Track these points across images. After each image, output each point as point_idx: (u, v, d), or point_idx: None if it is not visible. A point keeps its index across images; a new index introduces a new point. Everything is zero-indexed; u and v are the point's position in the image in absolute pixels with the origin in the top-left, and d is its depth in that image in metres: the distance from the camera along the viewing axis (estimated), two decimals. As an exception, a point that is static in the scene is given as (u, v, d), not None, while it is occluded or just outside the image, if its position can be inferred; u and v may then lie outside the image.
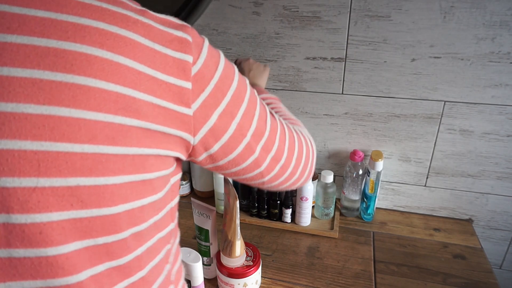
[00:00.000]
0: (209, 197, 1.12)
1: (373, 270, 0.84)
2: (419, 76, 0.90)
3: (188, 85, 0.35)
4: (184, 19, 0.97)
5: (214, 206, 1.06)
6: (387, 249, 0.91)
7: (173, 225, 0.43)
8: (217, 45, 1.01)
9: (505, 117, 0.88)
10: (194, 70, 0.35)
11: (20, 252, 0.29)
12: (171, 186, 0.39)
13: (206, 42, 0.38)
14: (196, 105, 0.36)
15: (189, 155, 0.41)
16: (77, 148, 0.29)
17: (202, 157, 0.41)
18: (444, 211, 1.03)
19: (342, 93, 0.97)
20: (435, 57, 0.87)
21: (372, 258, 0.88)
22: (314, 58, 0.95)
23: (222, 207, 1.04)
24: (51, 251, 0.30)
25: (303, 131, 0.58)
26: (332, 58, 0.94)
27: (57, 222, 0.29)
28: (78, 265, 0.31)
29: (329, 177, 0.94)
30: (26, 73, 0.27)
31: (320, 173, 0.95)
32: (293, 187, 0.57)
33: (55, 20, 0.29)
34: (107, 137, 0.30)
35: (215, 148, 0.41)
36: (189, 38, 0.35)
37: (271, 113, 0.49)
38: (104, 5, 0.31)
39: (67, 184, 0.29)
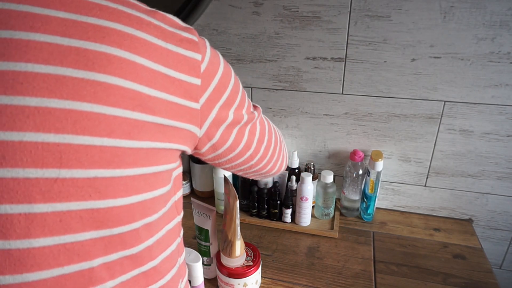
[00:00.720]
0: (209, 197, 1.12)
1: (373, 270, 0.84)
2: (419, 76, 0.90)
3: (197, 81, 0.38)
4: (184, 19, 0.97)
5: (214, 206, 1.06)
6: (387, 249, 0.91)
7: (179, 218, 0.45)
8: (217, 45, 1.01)
9: (505, 117, 0.88)
10: (203, 67, 0.38)
11: (40, 241, 0.30)
12: (174, 179, 0.41)
13: (207, 42, 0.42)
14: (203, 99, 0.39)
15: (195, 148, 0.44)
16: (97, 141, 0.30)
17: (205, 148, 0.45)
18: (444, 211, 1.03)
19: (342, 93, 0.97)
20: (435, 57, 0.87)
21: (372, 258, 0.88)
22: (314, 58, 0.95)
23: (222, 207, 1.04)
24: (69, 238, 0.31)
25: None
26: (332, 58, 0.94)
27: (75, 212, 0.31)
28: (92, 252, 0.33)
29: (329, 177, 0.94)
30: (49, 69, 0.29)
31: (320, 173, 0.95)
32: (274, 170, 0.63)
33: (75, 21, 0.30)
34: (124, 132, 0.31)
35: (217, 136, 0.45)
36: (195, 39, 0.38)
37: (254, 105, 0.56)
38: (120, 7, 0.33)
39: (87, 176, 0.30)
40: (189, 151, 0.42)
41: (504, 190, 0.96)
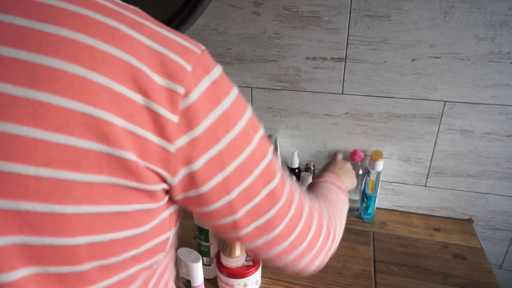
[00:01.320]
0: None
1: (373, 270, 0.84)
2: (419, 76, 0.90)
3: (173, 118, 0.30)
4: (184, 19, 0.97)
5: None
6: (387, 249, 0.91)
7: (162, 254, 0.37)
8: (217, 45, 1.01)
9: (505, 117, 0.88)
10: (185, 103, 0.30)
11: None
12: (164, 218, 0.35)
13: (213, 74, 0.33)
14: (180, 142, 0.31)
15: (169, 191, 0.35)
16: (31, 170, 0.26)
17: (178, 197, 0.35)
18: (444, 211, 1.03)
19: (342, 93, 0.97)
20: (435, 57, 0.87)
21: (372, 258, 0.88)
22: (314, 58, 0.95)
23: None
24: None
25: (337, 221, 0.53)
26: (332, 58, 0.94)
27: (3, 247, 0.27)
28: None
29: None
30: None
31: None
32: (291, 271, 0.48)
33: (31, 29, 0.26)
34: (67, 162, 0.27)
35: (191, 194, 0.35)
36: (187, 67, 0.30)
37: (284, 178, 0.42)
38: (92, 15, 0.28)
39: (17, 208, 0.26)
40: (159, 190, 0.33)
41: (504, 190, 0.96)
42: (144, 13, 0.32)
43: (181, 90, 0.30)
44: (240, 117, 0.35)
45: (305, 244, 0.45)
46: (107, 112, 0.27)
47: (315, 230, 0.46)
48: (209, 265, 0.80)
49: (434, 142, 0.96)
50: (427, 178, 1.00)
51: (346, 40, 0.91)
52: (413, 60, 0.88)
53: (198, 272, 0.72)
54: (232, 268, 0.73)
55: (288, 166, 1.02)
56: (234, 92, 0.35)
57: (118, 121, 0.28)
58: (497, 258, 1.04)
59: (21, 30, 0.26)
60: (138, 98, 0.28)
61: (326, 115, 1.01)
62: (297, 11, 0.91)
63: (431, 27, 0.84)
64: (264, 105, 1.05)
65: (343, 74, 0.95)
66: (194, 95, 0.31)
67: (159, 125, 0.30)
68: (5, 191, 0.26)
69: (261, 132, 0.38)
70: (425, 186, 1.02)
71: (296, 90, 1.01)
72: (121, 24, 0.29)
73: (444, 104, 0.91)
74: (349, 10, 0.88)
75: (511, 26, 0.80)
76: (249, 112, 0.37)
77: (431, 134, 0.95)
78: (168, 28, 0.33)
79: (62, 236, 0.28)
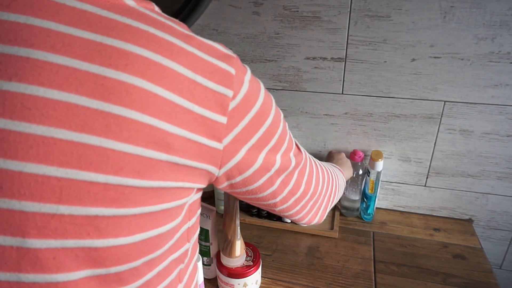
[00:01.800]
0: (209, 197, 1.12)
1: (373, 270, 0.84)
2: (419, 76, 0.90)
3: (223, 120, 0.34)
4: (184, 19, 0.97)
5: (214, 206, 1.06)
6: (387, 249, 0.91)
7: (188, 245, 0.41)
8: (217, 45, 1.01)
9: (505, 117, 0.88)
10: (232, 105, 0.35)
11: (30, 277, 0.28)
12: (188, 208, 0.39)
13: (248, 75, 0.37)
14: (227, 140, 0.36)
15: (210, 182, 0.40)
16: (101, 178, 0.28)
17: (223, 185, 0.41)
18: (444, 211, 1.03)
19: (342, 93, 0.97)
20: (435, 57, 0.87)
21: (372, 258, 0.88)
22: (314, 58, 0.95)
23: (222, 207, 1.04)
24: (62, 277, 0.29)
25: (339, 175, 0.63)
26: (332, 58, 0.94)
27: (71, 249, 0.29)
28: None
29: None
30: (62, 96, 0.27)
31: None
32: (302, 222, 0.58)
33: (100, 43, 0.28)
34: (133, 170, 0.29)
35: (238, 179, 0.41)
36: (232, 71, 0.34)
37: (298, 147, 0.50)
38: (152, 30, 0.30)
39: (87, 214, 0.28)
40: (202, 187, 0.39)
41: (504, 190, 0.96)
42: (184, 25, 0.35)
43: (230, 93, 0.34)
44: (271, 107, 0.41)
45: (324, 192, 0.57)
46: (169, 123, 0.30)
47: (323, 181, 0.57)
48: (209, 265, 0.80)
49: (434, 142, 0.96)
50: (427, 178, 1.00)
51: (346, 40, 0.91)
52: (413, 60, 0.88)
53: (198, 272, 0.72)
54: (232, 268, 0.73)
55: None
56: (262, 86, 0.40)
57: (177, 131, 0.31)
58: (497, 258, 1.04)
59: (90, 44, 0.28)
60: (194, 107, 0.32)
61: (326, 115, 1.01)
62: (297, 11, 0.91)
63: (431, 27, 0.84)
64: (264, 105, 1.05)
65: (343, 74, 0.95)
66: (240, 96, 0.35)
67: (211, 129, 0.33)
68: (76, 198, 0.28)
69: (280, 113, 0.45)
70: (425, 186, 1.02)
71: (296, 90, 1.00)
72: (175, 39, 0.31)
73: (444, 104, 0.91)
74: (349, 10, 0.88)
75: (511, 26, 0.80)
76: (273, 99, 0.43)
77: (431, 134, 0.95)
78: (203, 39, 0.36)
79: (122, 236, 0.30)
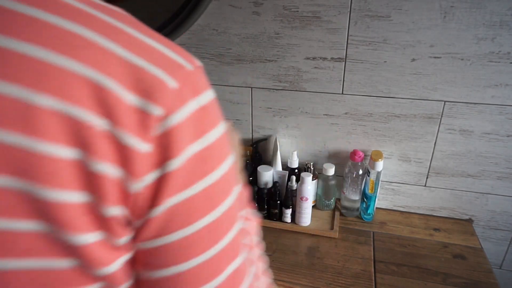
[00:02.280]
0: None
1: (373, 270, 0.84)
2: (419, 76, 0.90)
3: (144, 147, 0.24)
4: (184, 19, 0.97)
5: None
6: (387, 249, 0.91)
7: None
8: (217, 45, 1.01)
9: (505, 117, 0.88)
10: (162, 127, 0.24)
11: None
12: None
13: (205, 98, 0.27)
14: (149, 178, 0.25)
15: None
16: None
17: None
18: (444, 211, 1.03)
19: (342, 93, 0.97)
20: (435, 57, 0.87)
21: (372, 258, 0.88)
22: (314, 58, 0.95)
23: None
24: None
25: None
26: (332, 58, 0.94)
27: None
28: None
29: (330, 170, 0.96)
30: None
31: (322, 167, 0.98)
32: None
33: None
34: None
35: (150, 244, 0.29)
36: (171, 83, 0.25)
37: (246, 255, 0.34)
38: (51, 20, 0.23)
39: None
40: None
41: (504, 190, 0.96)
42: (128, 16, 0.26)
43: (157, 111, 0.24)
44: (224, 158, 0.28)
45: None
46: (55, 144, 0.22)
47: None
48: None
49: (434, 142, 0.96)
50: (427, 178, 1.00)
51: (346, 40, 0.91)
52: (413, 60, 0.88)
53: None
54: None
55: (288, 166, 1.02)
56: (222, 127, 0.29)
57: (68, 153, 0.22)
58: (497, 258, 1.04)
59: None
60: (99, 122, 0.22)
61: (326, 115, 1.01)
62: (297, 11, 0.91)
63: (431, 27, 0.84)
64: (264, 105, 1.05)
65: (343, 74, 0.95)
66: (176, 118, 0.24)
67: (123, 157, 0.23)
68: None
69: (238, 188, 0.31)
70: (425, 186, 1.02)
71: (296, 90, 1.00)
72: (87, 30, 0.23)
73: (444, 104, 0.91)
74: (349, 10, 0.88)
75: (511, 26, 0.80)
76: (232, 158, 0.30)
77: (431, 134, 0.95)
78: (159, 37, 0.27)
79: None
